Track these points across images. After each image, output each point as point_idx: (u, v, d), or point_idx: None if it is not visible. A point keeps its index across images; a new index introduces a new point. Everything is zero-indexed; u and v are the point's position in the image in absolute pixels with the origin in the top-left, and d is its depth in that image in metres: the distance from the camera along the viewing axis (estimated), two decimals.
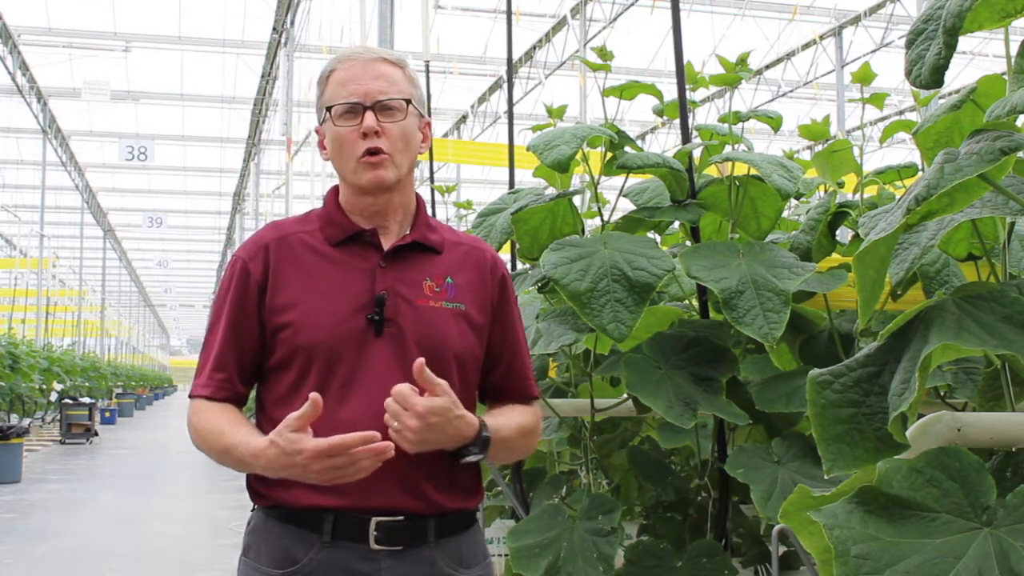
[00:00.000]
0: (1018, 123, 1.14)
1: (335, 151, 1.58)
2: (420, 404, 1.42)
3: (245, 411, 1.57)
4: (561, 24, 15.75)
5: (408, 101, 1.58)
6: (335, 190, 1.66)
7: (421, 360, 1.45)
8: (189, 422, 1.57)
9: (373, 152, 1.54)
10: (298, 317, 1.53)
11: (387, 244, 1.59)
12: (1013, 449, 1.23)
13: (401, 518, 1.51)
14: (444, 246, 1.64)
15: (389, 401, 1.43)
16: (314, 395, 1.39)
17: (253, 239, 1.63)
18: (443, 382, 1.45)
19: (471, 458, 1.51)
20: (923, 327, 1.08)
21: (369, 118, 1.54)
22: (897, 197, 1.50)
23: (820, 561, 1.11)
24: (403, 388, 1.43)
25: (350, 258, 1.58)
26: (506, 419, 1.61)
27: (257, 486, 1.57)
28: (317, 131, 1.64)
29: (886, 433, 1.04)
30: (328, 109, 1.57)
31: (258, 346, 1.57)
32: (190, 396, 1.60)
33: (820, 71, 17.21)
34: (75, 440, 16.84)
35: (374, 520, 1.49)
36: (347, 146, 1.56)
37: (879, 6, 15.12)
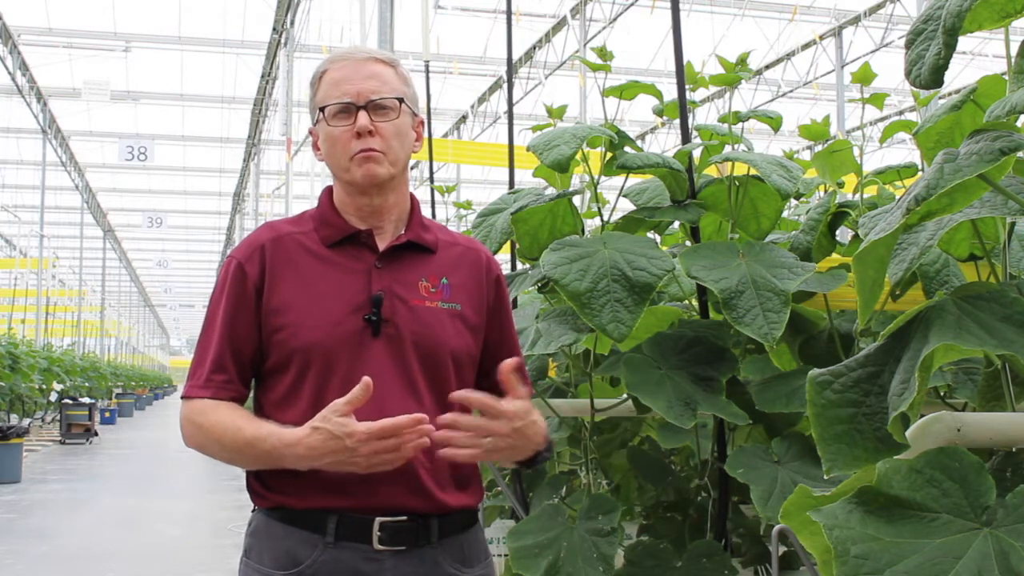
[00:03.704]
0: (1018, 123, 1.14)
1: (328, 150, 1.59)
2: (510, 409, 1.44)
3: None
4: (561, 24, 15.74)
5: (401, 100, 1.58)
6: (329, 191, 1.66)
7: (513, 360, 1.45)
8: (190, 422, 1.54)
9: (366, 151, 1.55)
10: (294, 319, 1.53)
11: (382, 244, 1.59)
12: (1013, 449, 1.23)
13: (404, 518, 1.50)
14: (439, 246, 1.64)
15: (468, 418, 1.44)
16: (366, 379, 1.40)
17: (248, 240, 1.62)
18: (524, 390, 1.47)
19: (542, 461, 1.55)
20: (923, 327, 1.08)
21: (362, 118, 1.54)
22: (897, 197, 1.50)
23: (820, 561, 1.12)
24: (485, 398, 1.44)
25: (345, 259, 1.58)
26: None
27: (258, 487, 1.56)
28: (311, 132, 1.65)
29: (886, 433, 1.04)
30: (321, 109, 1.58)
31: (256, 348, 1.56)
32: (185, 397, 1.57)
33: (820, 71, 17.20)
34: (75, 440, 16.84)
35: (378, 520, 1.49)
36: (340, 146, 1.56)
37: (879, 6, 15.11)
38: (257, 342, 1.55)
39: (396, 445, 1.38)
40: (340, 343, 1.52)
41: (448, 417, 1.43)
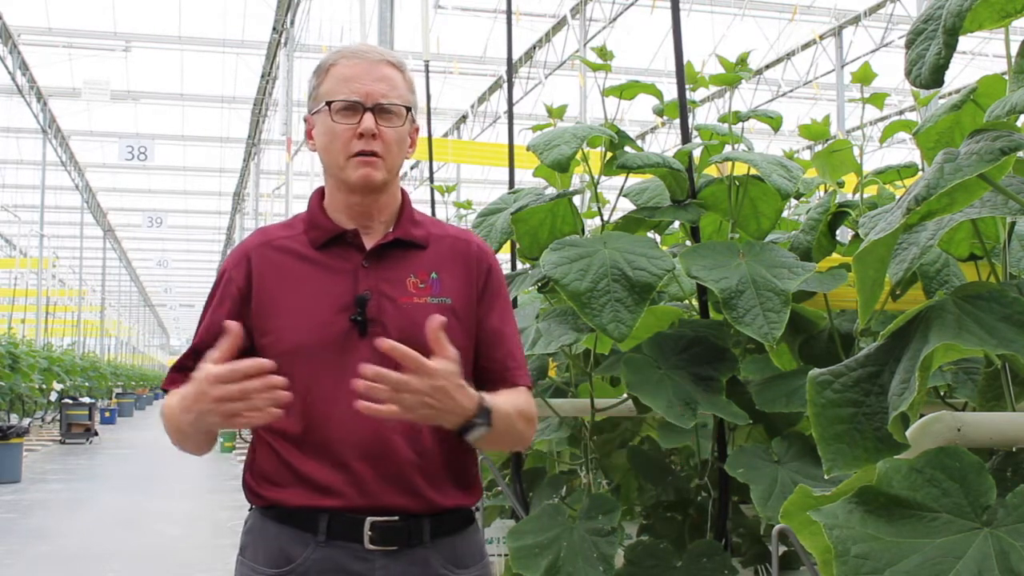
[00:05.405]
0: (1018, 123, 1.14)
1: (326, 144, 1.58)
2: (431, 366, 1.38)
3: None
4: (561, 24, 15.74)
5: (408, 108, 1.59)
6: (319, 192, 1.66)
7: (440, 319, 1.41)
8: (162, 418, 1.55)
9: (367, 153, 1.55)
10: (281, 323, 1.54)
11: (370, 244, 1.59)
12: (1013, 449, 1.23)
13: (396, 518, 1.51)
14: (429, 240, 1.63)
15: (388, 372, 1.36)
16: (231, 324, 1.40)
17: (238, 248, 1.65)
18: (454, 351, 1.41)
19: (478, 431, 1.46)
20: (923, 327, 1.08)
21: (368, 119, 1.54)
22: (897, 197, 1.50)
23: (820, 561, 1.12)
24: (407, 351, 1.37)
25: (333, 260, 1.58)
26: (503, 398, 1.55)
27: (254, 486, 1.57)
28: (306, 120, 1.64)
29: (886, 433, 1.04)
30: (328, 103, 1.57)
31: (247, 354, 1.54)
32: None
33: (820, 71, 17.19)
34: (75, 440, 16.84)
35: (369, 520, 1.49)
36: (340, 142, 1.56)
37: (879, 6, 15.11)
38: (248, 349, 1.54)
39: (239, 392, 1.35)
40: (325, 345, 1.52)
41: (371, 370, 1.36)
